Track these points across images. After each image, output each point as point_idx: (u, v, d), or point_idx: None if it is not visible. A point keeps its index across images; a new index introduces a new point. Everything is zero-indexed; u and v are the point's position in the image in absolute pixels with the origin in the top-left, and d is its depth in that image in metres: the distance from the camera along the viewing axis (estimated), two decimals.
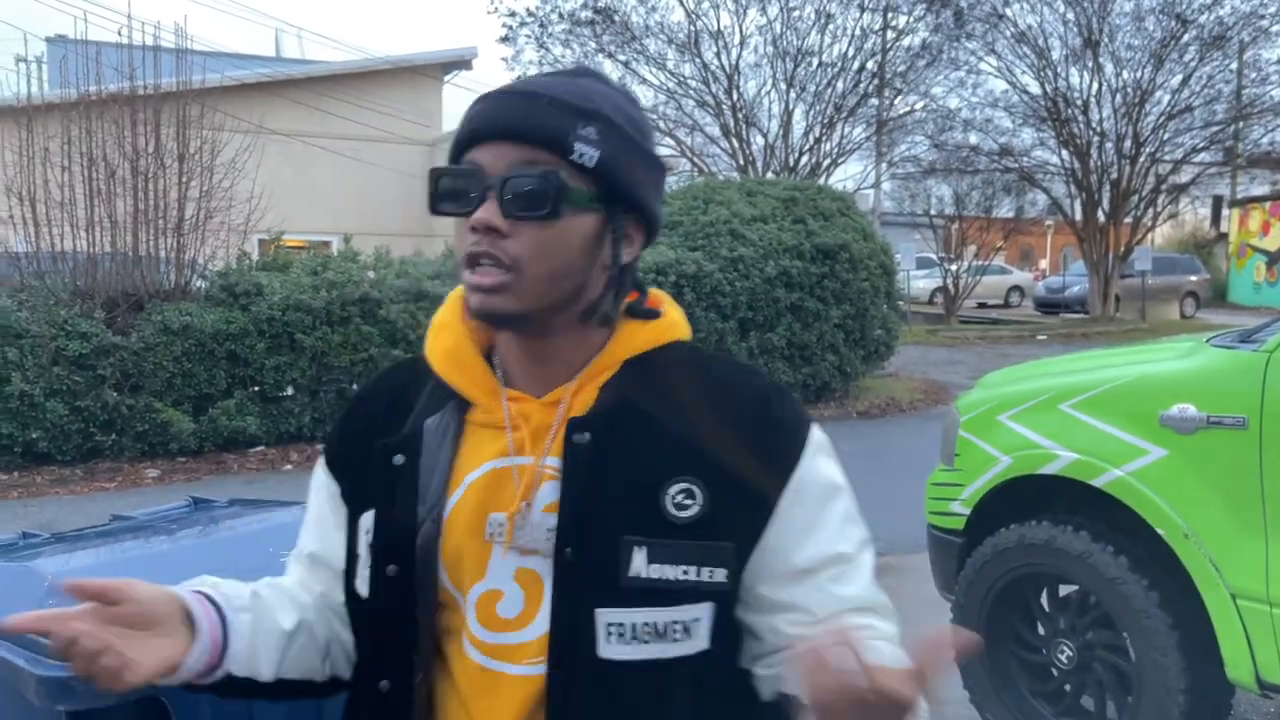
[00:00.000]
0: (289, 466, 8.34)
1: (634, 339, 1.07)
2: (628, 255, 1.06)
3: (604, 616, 0.97)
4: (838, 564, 1.02)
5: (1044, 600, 3.34)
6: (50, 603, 1.64)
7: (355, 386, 8.85)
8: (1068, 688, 3.24)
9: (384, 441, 1.08)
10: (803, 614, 1.00)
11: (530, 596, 1.01)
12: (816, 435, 1.06)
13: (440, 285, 9.35)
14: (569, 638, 0.98)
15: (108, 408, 8.00)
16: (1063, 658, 3.22)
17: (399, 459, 1.06)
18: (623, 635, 0.97)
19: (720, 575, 0.99)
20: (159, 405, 8.12)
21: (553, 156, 0.98)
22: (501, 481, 1.03)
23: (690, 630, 0.99)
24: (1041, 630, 3.33)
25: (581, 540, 0.98)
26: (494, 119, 1.00)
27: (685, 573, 0.98)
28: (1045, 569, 3.21)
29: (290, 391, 8.71)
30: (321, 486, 1.15)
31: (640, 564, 0.97)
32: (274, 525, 2.10)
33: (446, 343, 1.10)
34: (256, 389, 8.61)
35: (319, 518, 1.15)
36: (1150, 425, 2.95)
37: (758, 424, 1.03)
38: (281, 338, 8.62)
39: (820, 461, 1.05)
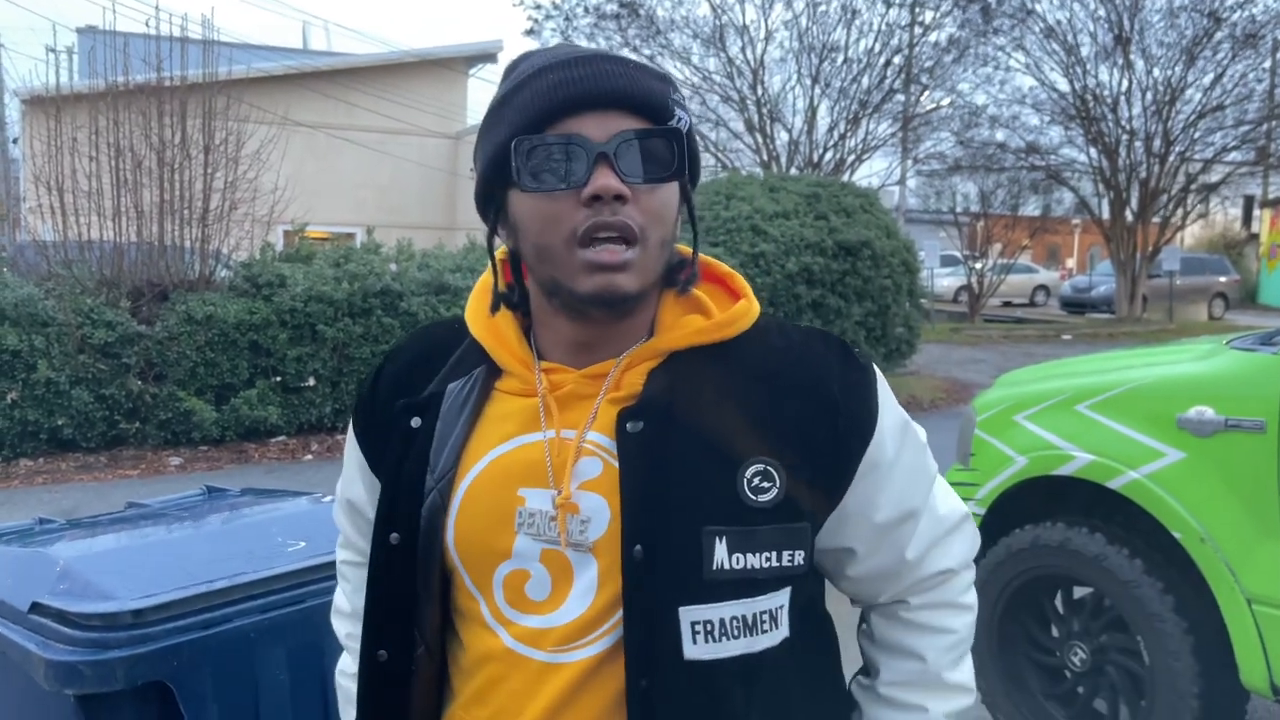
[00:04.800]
0: (309, 456, 8.40)
1: (689, 326, 1.02)
2: None
3: (688, 615, 0.93)
4: (909, 520, 1.05)
5: (1058, 602, 3.32)
6: (62, 588, 1.67)
7: None
8: (1080, 690, 3.22)
9: (405, 401, 1.05)
10: (892, 579, 1.07)
11: (557, 580, 0.97)
12: (882, 388, 1.04)
13: (461, 278, 9.38)
14: (648, 641, 0.93)
15: (132, 396, 8.08)
16: (1076, 660, 3.19)
17: (416, 421, 1.04)
18: (710, 633, 0.93)
19: (799, 558, 0.97)
20: (182, 394, 8.20)
21: (650, 122, 0.96)
22: (531, 456, 0.99)
23: (776, 619, 0.97)
24: (1055, 632, 3.31)
25: (653, 536, 0.93)
26: (595, 85, 0.95)
27: (769, 560, 0.95)
28: (1059, 571, 3.19)
29: (311, 382, 8.77)
30: (352, 452, 1.15)
31: (722, 555, 0.93)
32: (284, 515, 2.12)
33: (485, 306, 1.07)
34: (278, 379, 8.67)
35: (356, 472, 1.15)
36: (1168, 427, 2.92)
37: (830, 401, 0.99)
38: (303, 329, 8.68)
39: (888, 418, 1.03)
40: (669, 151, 0.96)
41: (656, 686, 0.93)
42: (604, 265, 0.94)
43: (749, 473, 0.95)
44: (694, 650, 0.94)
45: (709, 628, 0.94)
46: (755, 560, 0.94)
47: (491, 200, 1.03)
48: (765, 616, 0.96)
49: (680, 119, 0.97)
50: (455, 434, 1.02)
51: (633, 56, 1.09)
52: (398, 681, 1.03)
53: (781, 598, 0.98)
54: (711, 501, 0.95)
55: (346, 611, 1.21)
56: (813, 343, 1.05)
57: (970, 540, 1.13)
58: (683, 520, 0.94)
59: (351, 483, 1.16)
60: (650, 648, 0.93)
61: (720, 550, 0.94)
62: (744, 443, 0.96)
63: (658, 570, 0.93)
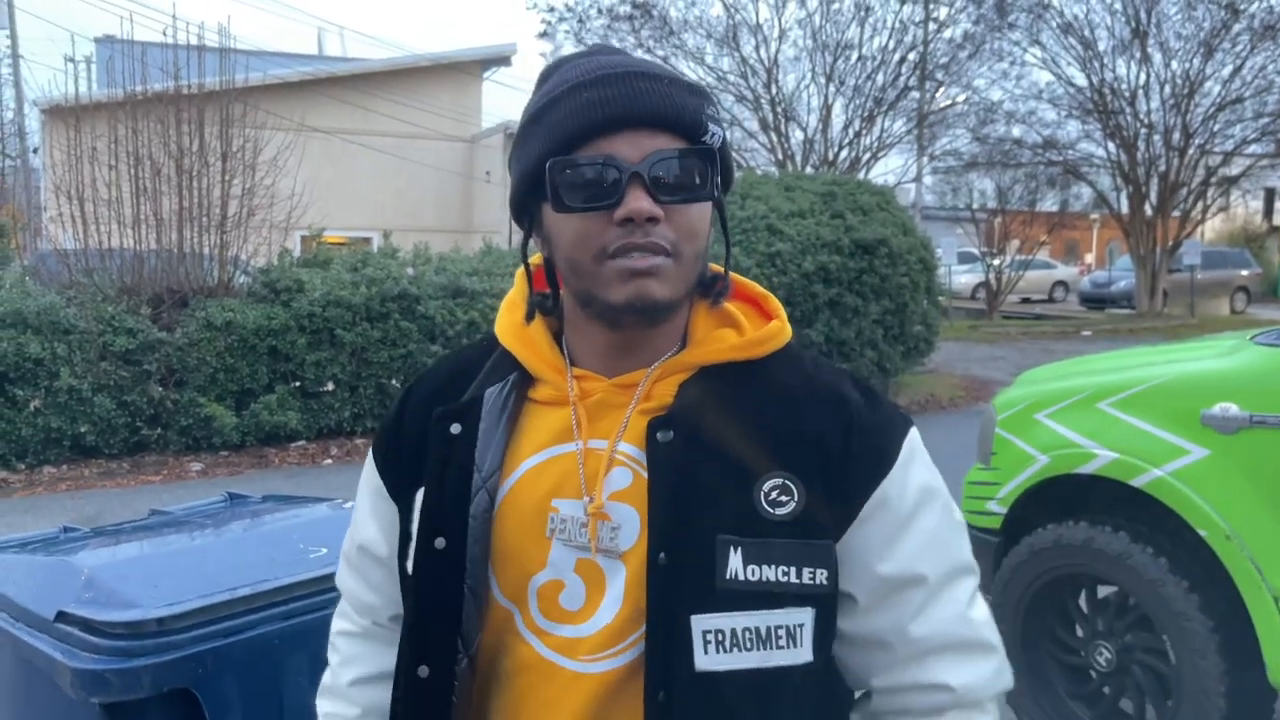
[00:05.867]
0: (329, 461, 8.44)
1: (723, 342, 1.03)
2: None
3: (700, 624, 0.93)
4: (917, 587, 0.99)
5: (1082, 602, 3.29)
6: (87, 596, 1.68)
7: (395, 382, 8.94)
8: (1106, 690, 3.20)
9: (442, 409, 1.05)
10: (882, 649, 1.00)
11: (591, 589, 0.97)
12: (912, 441, 1.03)
13: (478, 281, 9.41)
14: (665, 650, 0.93)
15: (153, 402, 8.14)
16: (1101, 660, 3.17)
17: (456, 428, 1.03)
18: (722, 643, 0.93)
19: (822, 576, 0.96)
20: (203, 400, 8.25)
21: (685, 140, 0.96)
22: (564, 467, 1.00)
23: (795, 638, 0.95)
24: (1080, 632, 3.28)
25: (675, 543, 0.94)
26: (629, 106, 0.95)
27: (785, 573, 0.94)
28: (1083, 570, 3.17)
29: (330, 387, 8.80)
30: (370, 481, 1.14)
31: (736, 565, 0.93)
32: (305, 521, 2.13)
33: (516, 317, 1.08)
34: (297, 384, 8.71)
35: (370, 511, 1.14)
36: (1191, 424, 2.90)
37: (849, 426, 1.00)
38: (322, 333, 8.72)
39: (914, 470, 1.01)
40: (702, 170, 0.96)
41: (672, 697, 0.93)
42: (636, 270, 0.95)
43: (767, 486, 0.96)
44: (705, 661, 0.93)
45: (720, 637, 0.93)
46: (772, 573, 0.94)
47: (526, 210, 1.04)
48: (781, 632, 0.95)
49: (714, 134, 0.98)
50: (496, 439, 1.02)
51: (659, 62, 1.06)
52: (440, 698, 1.01)
53: (802, 616, 0.96)
54: (728, 512, 0.95)
55: (329, 685, 1.18)
56: (844, 378, 1.06)
57: (995, 674, 1.02)
58: (700, 529, 0.95)
59: (364, 525, 1.15)
60: (667, 658, 0.93)
61: (735, 560, 0.94)
62: (764, 457, 0.97)
63: (676, 578, 0.94)
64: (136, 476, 7.81)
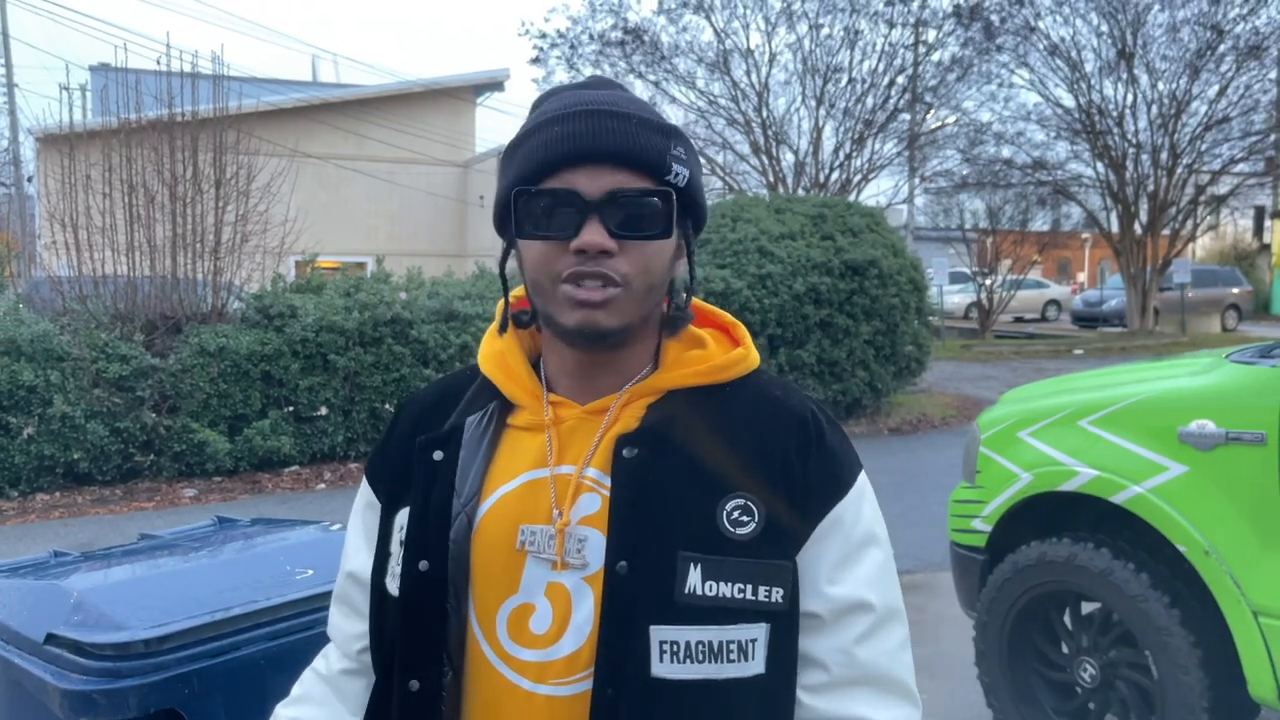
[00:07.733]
0: (322, 486, 8.44)
1: (691, 366, 1.08)
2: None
3: (658, 634, 0.97)
4: (865, 613, 1.03)
5: (1066, 618, 3.32)
6: (76, 619, 1.70)
7: (388, 406, 8.96)
8: (1091, 706, 3.22)
9: (425, 437, 1.10)
10: (819, 670, 1.03)
11: (558, 613, 1.00)
12: (864, 481, 1.08)
13: (471, 305, 9.45)
14: (620, 655, 0.96)
15: (146, 429, 8.15)
16: (1086, 676, 3.20)
17: (438, 455, 1.08)
18: (676, 654, 0.97)
19: (778, 595, 0.99)
20: (196, 426, 8.26)
21: (649, 177, 1.00)
22: (537, 492, 1.04)
23: (746, 652, 0.99)
24: (1064, 648, 3.31)
25: (635, 556, 0.98)
26: (592, 143, 1.00)
27: (741, 591, 0.98)
28: (1067, 586, 3.20)
29: (324, 411, 8.82)
30: (362, 501, 1.18)
31: (695, 581, 0.97)
32: (293, 544, 2.16)
33: (496, 346, 1.13)
34: (290, 409, 8.73)
35: (360, 532, 1.17)
36: (1169, 441, 2.94)
37: (810, 447, 1.04)
38: (315, 358, 8.75)
39: (865, 506, 1.06)
40: (660, 209, 1.01)
41: (623, 699, 0.97)
42: (585, 301, 1.00)
43: (729, 506, 1.00)
44: (660, 669, 0.97)
45: (675, 648, 0.97)
46: (727, 589, 0.98)
47: (506, 231, 1.09)
48: (733, 646, 0.98)
49: (677, 174, 1.02)
50: (476, 464, 1.07)
51: (641, 96, 1.11)
52: (430, 711, 1.04)
53: (755, 631, 0.99)
54: (690, 528, 0.99)
55: (279, 708, 1.19)
56: (807, 403, 1.10)
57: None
58: (661, 543, 0.99)
59: (354, 554, 1.17)
60: (621, 662, 0.97)
61: (694, 576, 0.98)
62: (728, 477, 1.01)
63: (635, 588, 0.98)
64: (129, 503, 7.81)
